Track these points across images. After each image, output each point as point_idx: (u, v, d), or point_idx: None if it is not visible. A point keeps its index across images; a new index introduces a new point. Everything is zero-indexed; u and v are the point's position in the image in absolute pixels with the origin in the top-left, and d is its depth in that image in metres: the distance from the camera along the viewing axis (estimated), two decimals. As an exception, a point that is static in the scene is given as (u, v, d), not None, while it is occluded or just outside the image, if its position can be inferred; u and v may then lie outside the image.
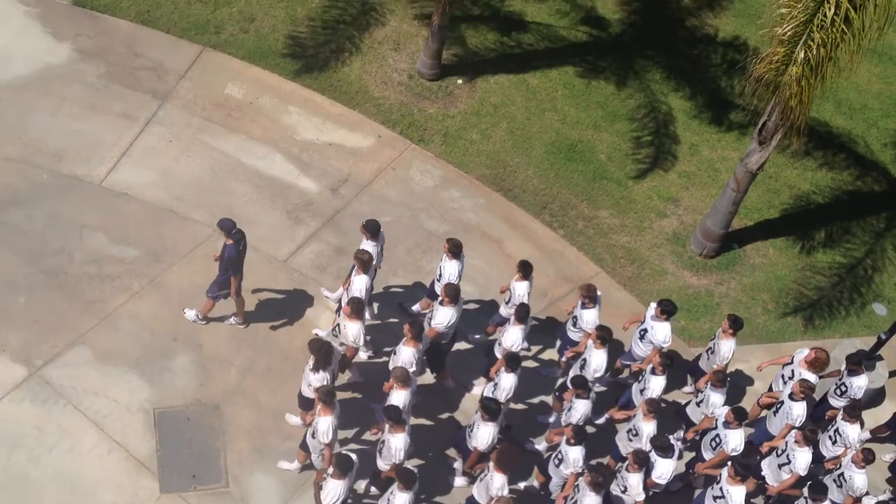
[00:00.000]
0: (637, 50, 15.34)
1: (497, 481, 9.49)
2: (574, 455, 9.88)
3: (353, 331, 10.18)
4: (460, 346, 11.48)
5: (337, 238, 12.25)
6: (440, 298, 10.63)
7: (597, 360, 10.54)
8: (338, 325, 10.41)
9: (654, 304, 10.98)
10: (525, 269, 10.96)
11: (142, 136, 12.38)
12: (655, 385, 10.54)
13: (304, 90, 13.62)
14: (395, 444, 9.57)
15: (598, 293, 11.00)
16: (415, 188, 13.18)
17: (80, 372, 10.61)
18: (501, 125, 14.07)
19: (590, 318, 10.89)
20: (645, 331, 11.04)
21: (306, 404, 10.25)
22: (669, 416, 11.22)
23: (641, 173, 14.01)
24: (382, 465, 9.86)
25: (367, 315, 10.62)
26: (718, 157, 14.34)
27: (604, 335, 10.55)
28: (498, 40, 15.01)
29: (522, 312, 10.56)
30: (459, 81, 14.44)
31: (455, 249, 10.84)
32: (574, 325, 11.18)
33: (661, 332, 10.86)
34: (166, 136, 12.49)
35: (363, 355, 11.22)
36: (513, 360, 10.25)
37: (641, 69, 15.14)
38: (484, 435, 9.94)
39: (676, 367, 11.32)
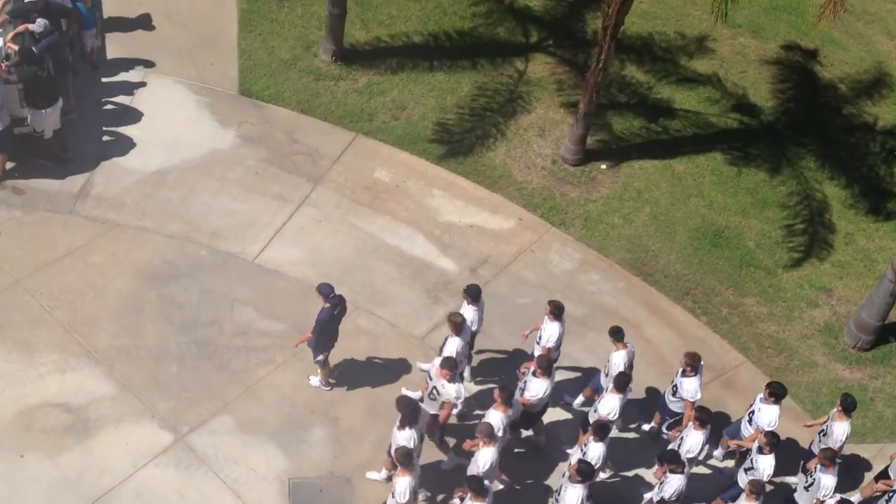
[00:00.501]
0: (790, 137, 14.96)
1: None
2: None
3: (452, 389, 10.35)
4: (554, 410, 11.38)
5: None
6: (533, 369, 10.59)
7: (693, 440, 10.27)
8: (434, 388, 10.47)
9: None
10: (617, 335, 10.84)
11: (294, 217, 13.01)
12: (764, 465, 10.10)
13: (448, 174, 14.00)
14: None
15: (701, 363, 10.70)
16: (553, 270, 13.18)
17: (223, 440, 11.03)
18: (644, 210, 13.93)
19: (690, 386, 10.64)
20: (752, 413, 10.70)
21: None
22: (777, 501, 10.72)
23: (794, 262, 13.49)
24: None
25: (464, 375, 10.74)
26: (875, 247, 13.64)
27: (703, 416, 10.29)
28: (644, 126, 15.00)
29: (621, 382, 10.43)
30: (603, 166, 14.46)
31: (556, 311, 10.95)
32: (674, 394, 10.85)
33: (768, 416, 10.53)
34: (317, 216, 13.09)
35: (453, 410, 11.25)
36: (602, 429, 10.11)
37: (795, 156, 14.74)
38: (571, 498, 9.71)
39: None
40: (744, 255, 13.49)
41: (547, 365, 10.56)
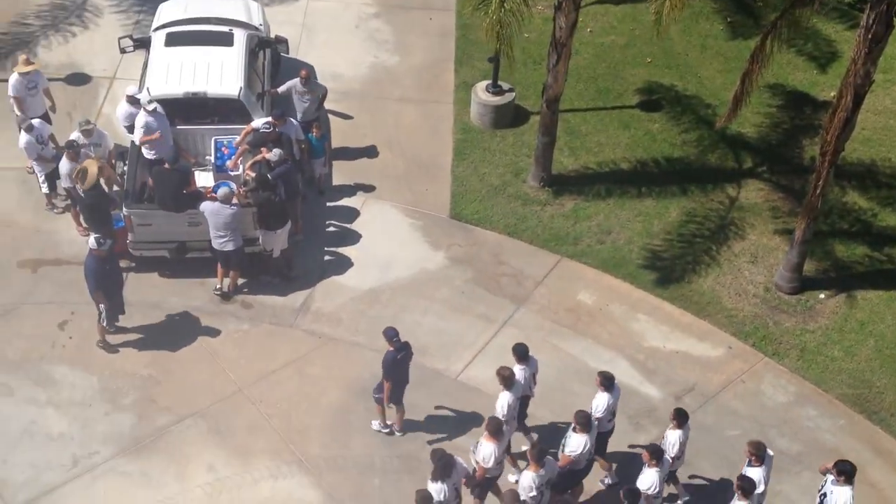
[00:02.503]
0: None
1: None
2: None
3: (484, 451, 10.57)
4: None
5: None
6: (573, 425, 10.66)
7: None
8: (477, 441, 10.61)
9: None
10: (680, 418, 10.88)
11: (497, 337, 13.23)
12: None
13: (653, 299, 13.82)
14: None
15: (770, 453, 10.55)
16: (766, 403, 12.53)
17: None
18: (868, 343, 13.07)
19: (755, 476, 10.39)
20: (824, 495, 10.13)
21: None
22: None
23: None
24: None
25: (507, 435, 10.91)
26: None
27: (745, 486, 10.12)
28: (867, 255, 14.24)
29: (656, 454, 10.52)
30: (822, 296, 13.77)
31: (607, 383, 11.13)
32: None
33: (842, 498, 9.99)
34: (519, 337, 13.14)
35: (511, 478, 11.29)
36: (632, 495, 10.16)
37: None
38: None
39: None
40: (985, 396, 12.29)
41: (585, 421, 10.64)
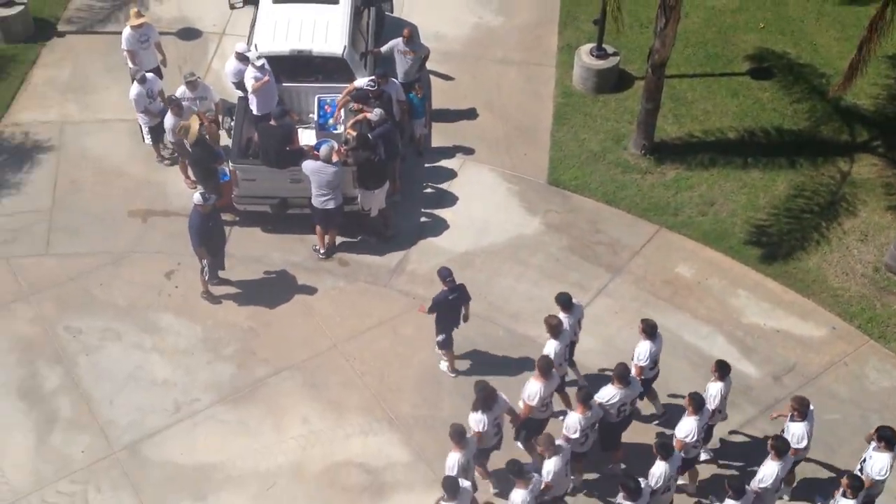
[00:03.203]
0: None
1: None
2: None
3: (530, 388, 10.73)
4: None
5: (773, 428, 11.62)
6: (612, 377, 10.82)
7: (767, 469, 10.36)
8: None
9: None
10: (722, 370, 10.86)
11: (591, 306, 13.09)
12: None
13: (755, 274, 13.46)
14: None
15: (811, 407, 10.60)
16: (869, 387, 12.14)
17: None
18: (983, 330, 12.48)
19: (797, 431, 10.51)
20: (864, 461, 10.12)
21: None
22: None
23: None
24: None
25: (556, 378, 11.00)
26: None
27: (779, 445, 10.30)
28: None
29: (698, 402, 10.56)
30: (934, 278, 13.21)
31: (650, 330, 11.14)
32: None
33: (879, 464, 10.18)
34: (613, 307, 13.09)
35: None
36: (663, 448, 10.22)
37: None
38: None
39: None
40: None
41: (623, 374, 10.71)
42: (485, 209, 14.30)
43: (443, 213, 14.27)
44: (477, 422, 10.53)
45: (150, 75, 14.34)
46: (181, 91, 14.07)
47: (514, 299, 13.18)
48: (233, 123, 14.24)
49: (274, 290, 13.33)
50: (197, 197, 12.48)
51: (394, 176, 14.00)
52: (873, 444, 10.28)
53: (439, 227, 14.10)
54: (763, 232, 13.98)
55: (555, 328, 11.21)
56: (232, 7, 15.96)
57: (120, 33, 14.98)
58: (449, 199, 14.44)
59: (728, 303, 13.18)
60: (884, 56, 15.45)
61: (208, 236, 12.64)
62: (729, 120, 15.40)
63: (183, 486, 11.51)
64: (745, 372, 12.38)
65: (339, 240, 13.87)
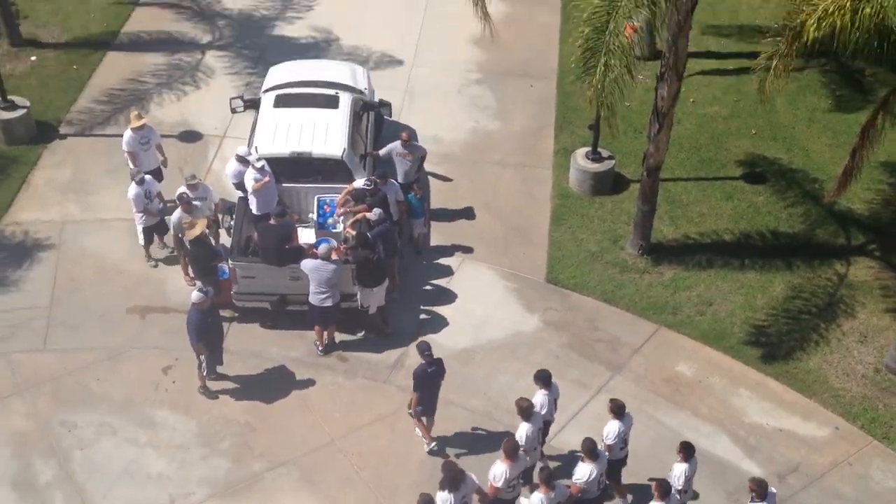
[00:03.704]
0: None
1: None
2: None
3: (496, 470, 10.82)
4: None
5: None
6: (582, 455, 10.91)
7: None
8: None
9: None
10: (687, 451, 11.04)
11: (591, 403, 12.98)
12: None
13: (756, 374, 13.40)
14: None
15: (773, 490, 10.61)
16: (874, 488, 11.94)
17: None
18: None
19: None
20: None
21: None
22: None
23: None
24: None
25: (524, 460, 11.07)
26: None
27: None
28: None
29: (664, 488, 10.67)
30: (936, 379, 13.15)
31: (618, 410, 11.27)
32: None
33: None
34: (614, 405, 12.96)
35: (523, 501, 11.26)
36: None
37: None
38: None
39: None
40: None
41: (591, 449, 10.82)
42: (483, 307, 14.31)
43: (441, 310, 14.27)
44: (443, 500, 10.57)
45: (148, 177, 14.53)
46: (182, 189, 14.25)
47: (512, 396, 12.86)
48: (233, 222, 14.37)
49: (272, 385, 13.19)
50: (195, 295, 12.48)
51: (392, 273, 14.05)
52: None
53: (438, 323, 14.07)
54: (762, 332, 13.98)
55: (525, 410, 11.30)
56: (233, 111, 16.31)
57: (120, 136, 15.27)
58: (448, 297, 14.45)
59: (730, 402, 13.07)
60: (876, 162, 15.80)
61: (206, 332, 12.59)
62: (724, 222, 15.62)
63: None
64: (749, 471, 12.16)
65: (338, 337, 13.80)
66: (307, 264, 13.18)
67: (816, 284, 14.67)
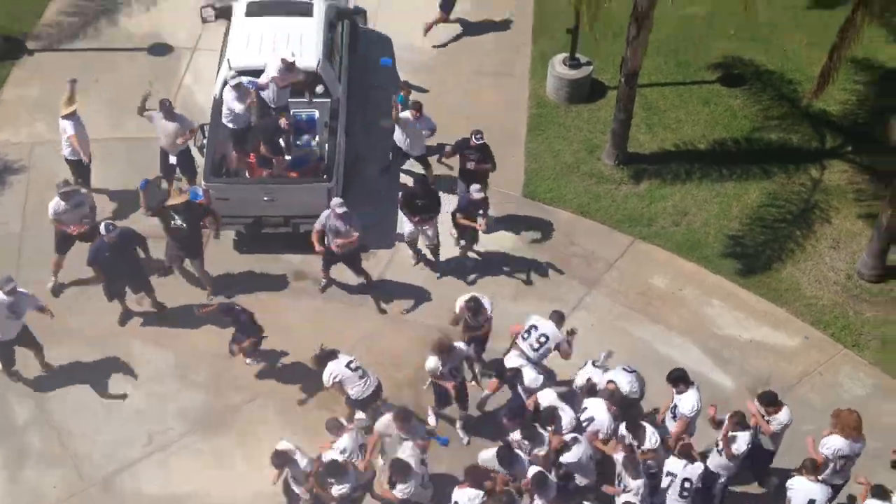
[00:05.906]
0: None
1: None
2: None
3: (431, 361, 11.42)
4: None
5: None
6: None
7: None
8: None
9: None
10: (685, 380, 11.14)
11: (567, 320, 13.11)
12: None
13: (729, 284, 13.57)
14: None
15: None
16: (843, 396, 12.29)
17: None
18: (954, 337, 12.65)
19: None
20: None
21: None
22: None
23: None
24: None
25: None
26: None
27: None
28: (956, 242, 13.68)
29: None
30: (905, 285, 13.36)
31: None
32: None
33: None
34: (588, 320, 13.13)
35: None
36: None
37: None
38: None
39: None
40: None
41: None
42: (458, 223, 14.25)
43: (417, 229, 14.23)
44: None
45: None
46: (55, 203, 12.82)
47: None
48: (205, 141, 14.15)
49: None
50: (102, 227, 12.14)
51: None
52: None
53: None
54: (736, 241, 14.08)
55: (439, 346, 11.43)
56: (204, 21, 15.81)
57: (91, 50, 14.65)
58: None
59: (702, 313, 13.28)
60: (852, 60, 15.56)
61: (97, 262, 12.38)
62: (701, 129, 15.50)
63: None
64: (720, 382, 12.48)
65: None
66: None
67: (791, 190, 14.70)
